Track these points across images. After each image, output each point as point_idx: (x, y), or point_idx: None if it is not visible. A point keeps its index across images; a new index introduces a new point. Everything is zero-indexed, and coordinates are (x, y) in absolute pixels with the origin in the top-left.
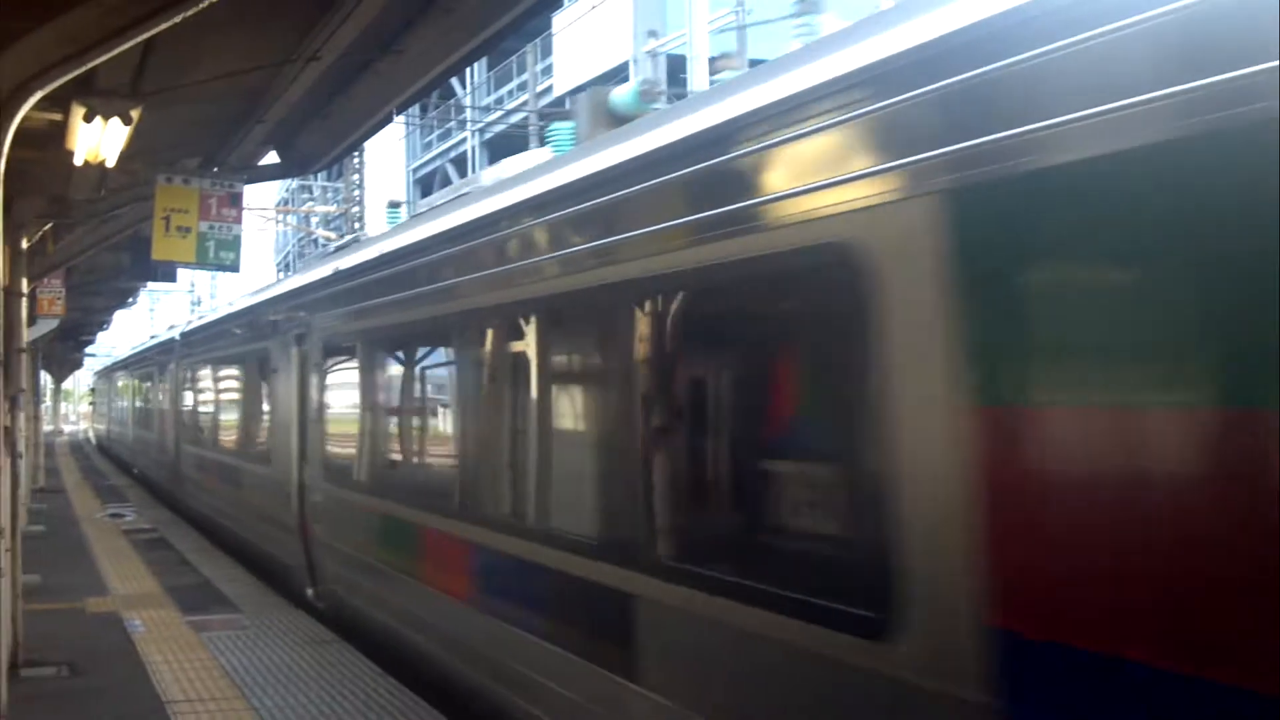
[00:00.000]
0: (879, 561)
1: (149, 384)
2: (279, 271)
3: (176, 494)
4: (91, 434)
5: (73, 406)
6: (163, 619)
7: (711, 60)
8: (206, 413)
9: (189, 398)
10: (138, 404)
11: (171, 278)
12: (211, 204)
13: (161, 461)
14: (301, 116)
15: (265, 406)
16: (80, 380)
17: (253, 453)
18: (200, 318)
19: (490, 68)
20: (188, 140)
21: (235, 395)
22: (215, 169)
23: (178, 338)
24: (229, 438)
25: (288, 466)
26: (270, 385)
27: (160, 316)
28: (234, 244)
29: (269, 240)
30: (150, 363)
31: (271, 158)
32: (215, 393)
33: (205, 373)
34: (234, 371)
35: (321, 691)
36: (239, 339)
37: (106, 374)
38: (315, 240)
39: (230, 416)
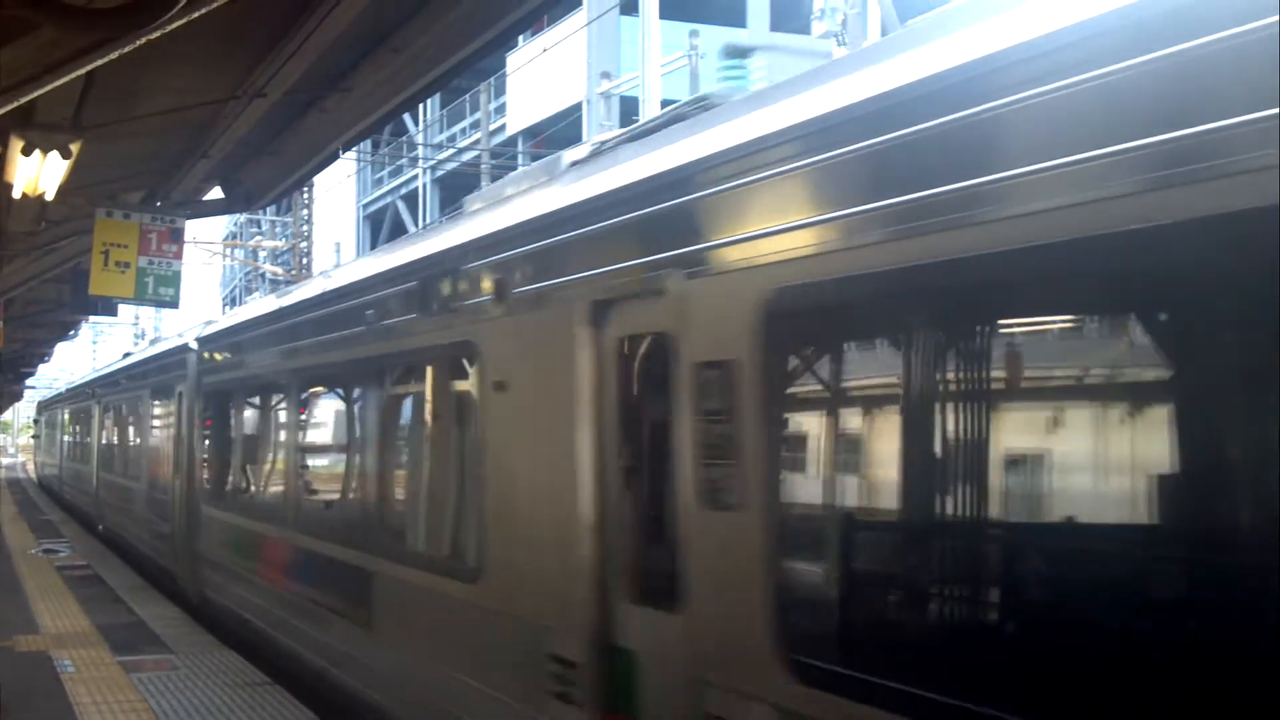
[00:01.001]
0: None
1: (131, 415)
2: (225, 306)
3: (185, 577)
4: (33, 471)
5: (11, 438)
6: (93, 659)
7: None
8: (268, 464)
9: (222, 437)
10: (110, 440)
11: (112, 312)
12: (152, 239)
13: (156, 528)
14: (247, 152)
15: (444, 455)
16: (20, 412)
17: (385, 543)
18: (228, 316)
19: (443, 105)
20: (130, 174)
21: (343, 433)
22: (158, 203)
23: (193, 345)
24: (328, 507)
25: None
26: (472, 416)
27: (104, 349)
28: (174, 280)
29: (215, 275)
30: (135, 385)
31: (216, 193)
32: (288, 430)
33: (258, 397)
34: (342, 393)
35: None
36: (361, 333)
37: (57, 403)
38: (263, 275)
39: (340, 468)
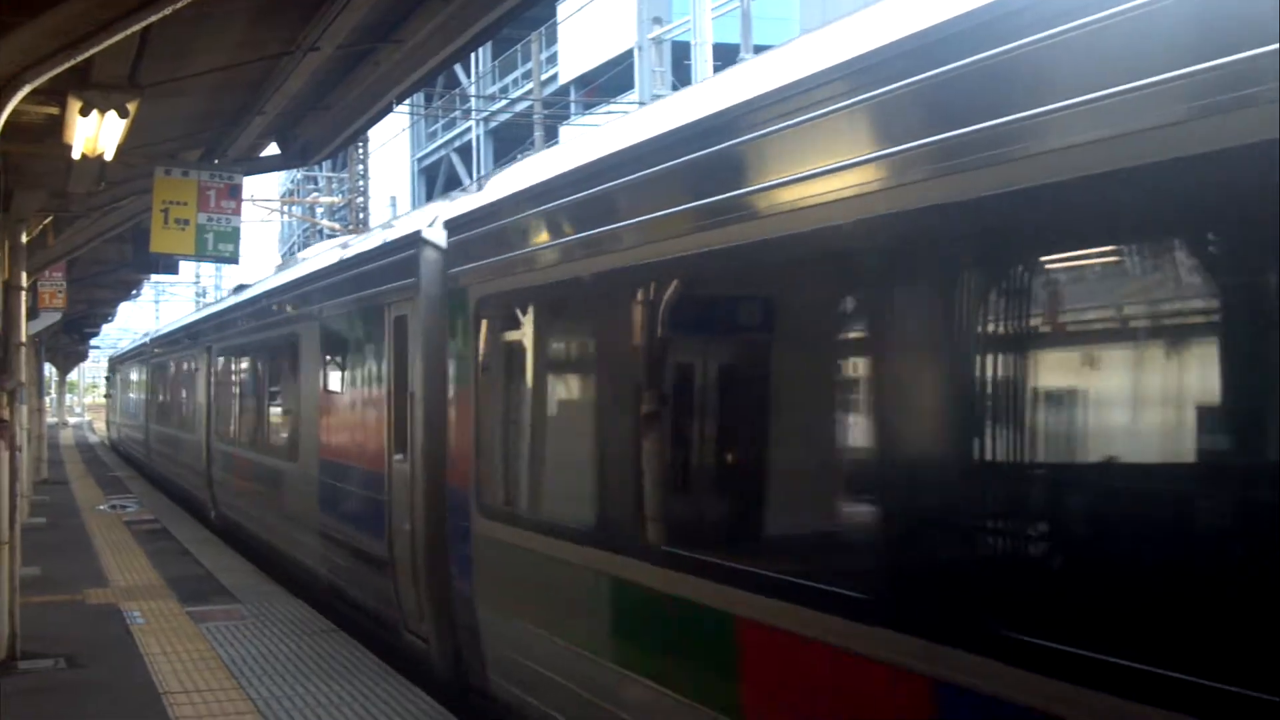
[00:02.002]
0: None
1: (277, 363)
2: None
3: (430, 635)
4: (103, 432)
5: (77, 398)
6: (162, 610)
7: None
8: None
9: (548, 397)
10: (236, 399)
11: (173, 270)
12: (210, 196)
13: (346, 539)
14: (301, 107)
15: None
16: (85, 372)
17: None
18: (531, 164)
19: (495, 56)
20: (187, 133)
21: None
22: (216, 161)
23: (436, 239)
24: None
25: None
26: None
27: (166, 309)
28: (233, 236)
29: (273, 231)
30: (283, 320)
31: (272, 149)
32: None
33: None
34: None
35: (319, 682)
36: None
37: (138, 355)
38: (320, 231)
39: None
